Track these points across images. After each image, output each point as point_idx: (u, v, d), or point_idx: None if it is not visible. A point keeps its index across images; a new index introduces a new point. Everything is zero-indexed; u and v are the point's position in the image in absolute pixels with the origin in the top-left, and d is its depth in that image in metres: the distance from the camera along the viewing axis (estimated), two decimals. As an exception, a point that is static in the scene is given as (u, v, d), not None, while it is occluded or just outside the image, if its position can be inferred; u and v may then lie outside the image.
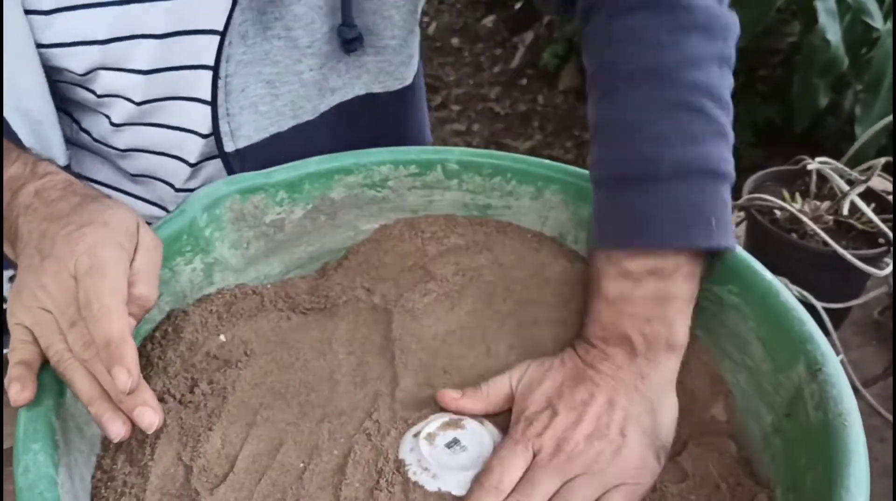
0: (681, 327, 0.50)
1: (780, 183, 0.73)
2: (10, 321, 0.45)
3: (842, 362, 0.69)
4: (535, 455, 0.47)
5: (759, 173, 0.74)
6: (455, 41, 3.28)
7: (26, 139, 0.60)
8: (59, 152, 0.63)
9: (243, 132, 0.63)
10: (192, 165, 0.68)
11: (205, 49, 0.60)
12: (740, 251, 0.54)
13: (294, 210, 0.60)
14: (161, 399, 0.48)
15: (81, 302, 0.42)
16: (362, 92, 0.69)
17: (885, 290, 0.69)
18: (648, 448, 0.48)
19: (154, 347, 0.51)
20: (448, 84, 2.97)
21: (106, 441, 0.47)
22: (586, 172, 0.61)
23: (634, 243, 0.50)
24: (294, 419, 0.50)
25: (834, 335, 0.67)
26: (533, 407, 0.49)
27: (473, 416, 0.51)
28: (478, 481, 0.46)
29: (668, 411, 0.49)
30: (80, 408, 0.44)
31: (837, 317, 0.71)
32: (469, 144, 2.63)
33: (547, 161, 0.62)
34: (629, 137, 0.51)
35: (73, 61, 0.59)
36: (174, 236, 0.53)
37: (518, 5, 3.15)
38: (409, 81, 0.73)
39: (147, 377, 0.49)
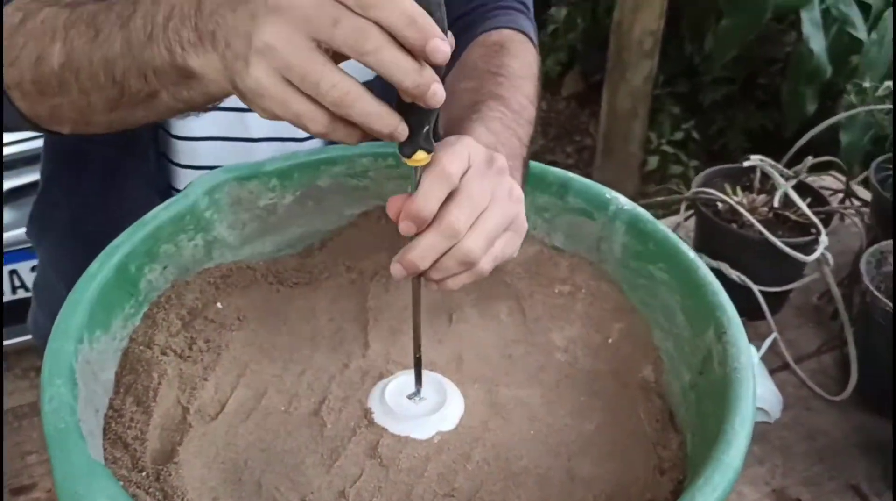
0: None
1: (727, 179, 0.81)
2: (249, 72, 0.42)
3: (775, 340, 0.77)
4: None
5: (709, 170, 0.81)
6: (462, 48, 3.36)
7: None
8: None
9: None
10: None
11: None
12: (669, 234, 0.62)
13: (285, 196, 0.68)
14: (164, 353, 0.57)
15: None
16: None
17: (819, 277, 0.76)
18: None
19: (159, 310, 0.59)
20: (454, 90, 3.05)
21: (117, 386, 0.55)
22: (542, 165, 0.69)
23: None
24: (278, 372, 0.58)
25: (769, 315, 0.75)
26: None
27: (433, 372, 0.59)
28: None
29: None
30: (96, 356, 0.53)
31: (778, 300, 0.78)
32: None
33: (509, 155, 0.70)
34: None
35: None
36: (178, 216, 0.62)
37: (524, 13, 3.23)
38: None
39: (151, 335, 0.58)
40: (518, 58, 0.71)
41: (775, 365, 0.76)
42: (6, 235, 1.61)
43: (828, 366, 0.76)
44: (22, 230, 1.62)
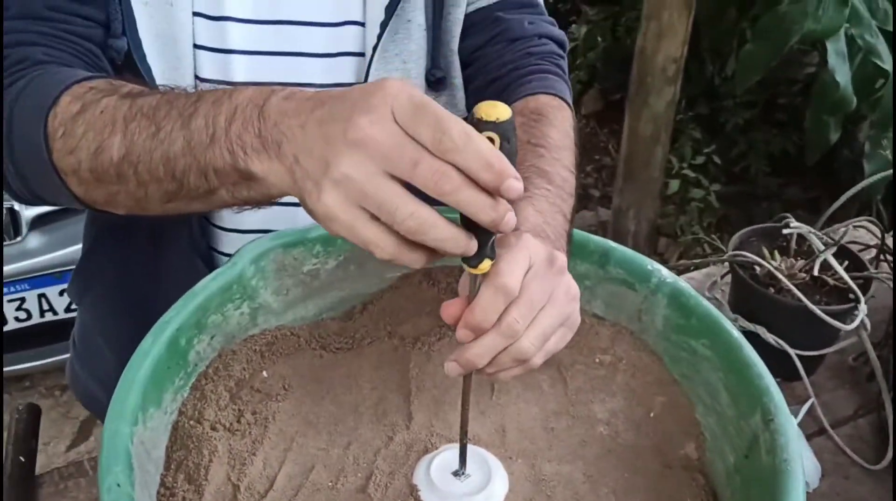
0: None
1: (763, 240, 0.81)
2: (322, 198, 0.43)
3: (812, 404, 0.77)
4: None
5: (746, 229, 0.82)
6: (481, 64, 3.37)
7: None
8: None
9: None
10: None
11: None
12: (712, 310, 0.62)
13: (328, 261, 0.69)
14: (213, 429, 0.58)
15: (431, 134, 0.41)
16: None
17: (857, 339, 0.76)
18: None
19: (207, 382, 0.60)
20: (473, 106, 3.06)
21: (168, 461, 0.56)
22: (583, 233, 0.70)
23: None
24: (324, 446, 0.59)
25: (806, 379, 0.75)
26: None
27: (477, 447, 0.59)
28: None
29: None
30: (149, 435, 0.54)
31: (813, 362, 0.78)
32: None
33: (549, 222, 0.70)
34: None
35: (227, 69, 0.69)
36: (226, 286, 0.62)
37: (543, 30, 3.23)
38: (466, 114, 0.83)
39: (201, 409, 0.58)
40: (556, 127, 0.72)
41: (811, 430, 0.76)
42: (35, 260, 1.65)
43: (864, 432, 0.76)
44: (50, 256, 1.67)
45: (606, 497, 0.57)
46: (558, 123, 0.72)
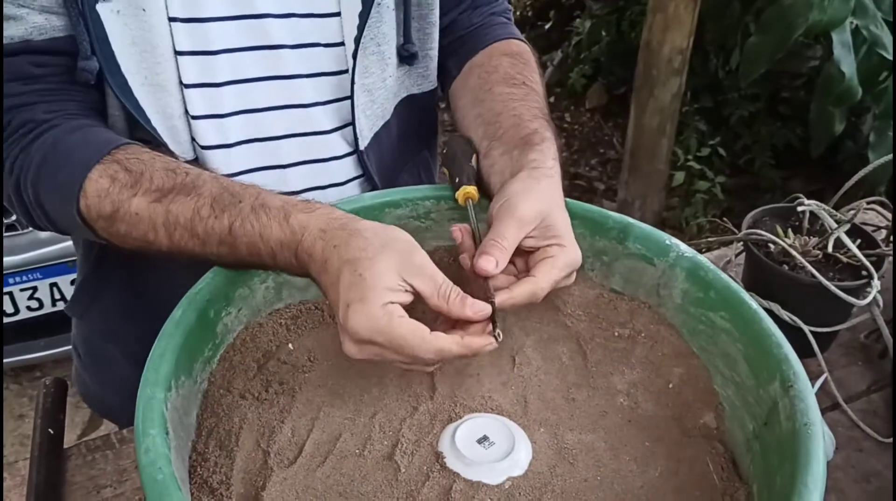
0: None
1: (776, 219, 0.82)
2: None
3: (826, 380, 0.78)
4: None
5: (758, 209, 0.83)
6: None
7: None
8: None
9: (364, 134, 0.78)
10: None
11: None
12: (731, 283, 0.63)
13: (350, 238, 0.70)
14: (242, 397, 0.59)
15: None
16: (406, 94, 0.84)
17: (869, 316, 0.78)
18: None
19: (235, 353, 0.61)
20: (478, 100, 3.07)
21: (199, 428, 0.57)
22: (602, 209, 0.71)
23: None
24: (350, 415, 0.60)
25: (820, 355, 0.76)
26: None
27: (500, 416, 0.60)
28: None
29: None
30: (181, 400, 0.55)
31: (826, 339, 0.80)
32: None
33: (568, 199, 0.72)
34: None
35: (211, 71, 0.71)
36: (252, 259, 0.63)
37: (548, 25, 3.25)
38: (435, 84, 0.87)
39: (230, 378, 0.59)
40: (535, 71, 0.81)
41: (825, 405, 0.77)
42: (47, 249, 1.66)
43: (878, 406, 0.77)
44: (62, 245, 1.67)
45: (627, 465, 0.59)
46: (536, 67, 0.82)
